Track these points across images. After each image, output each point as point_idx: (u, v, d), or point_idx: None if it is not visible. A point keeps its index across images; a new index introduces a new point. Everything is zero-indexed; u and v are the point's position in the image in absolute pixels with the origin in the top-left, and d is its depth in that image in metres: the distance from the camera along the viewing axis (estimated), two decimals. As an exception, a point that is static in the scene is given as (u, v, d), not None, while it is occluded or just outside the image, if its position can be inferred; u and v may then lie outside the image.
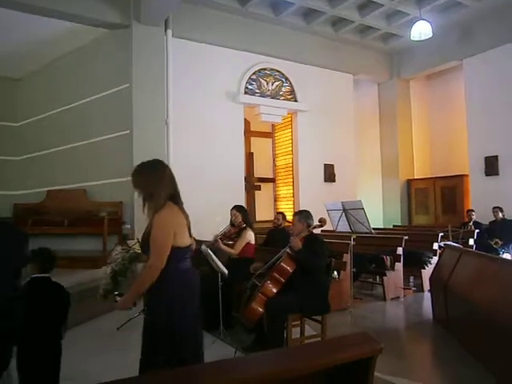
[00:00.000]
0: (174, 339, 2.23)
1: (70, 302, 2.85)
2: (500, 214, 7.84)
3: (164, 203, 2.28)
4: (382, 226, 10.16)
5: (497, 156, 8.91)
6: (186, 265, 2.38)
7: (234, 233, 4.81)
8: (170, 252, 2.25)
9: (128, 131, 7.29)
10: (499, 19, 8.62)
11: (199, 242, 5.12)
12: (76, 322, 4.77)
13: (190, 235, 2.46)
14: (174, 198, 2.36)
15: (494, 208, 7.90)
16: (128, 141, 7.24)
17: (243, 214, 4.85)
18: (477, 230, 7.60)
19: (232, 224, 4.87)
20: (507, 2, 8.22)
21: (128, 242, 5.18)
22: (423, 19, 8.00)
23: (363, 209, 4.83)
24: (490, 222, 8.02)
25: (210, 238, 5.83)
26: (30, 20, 6.87)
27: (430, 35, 8.02)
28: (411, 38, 8.24)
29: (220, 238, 4.67)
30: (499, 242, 7.40)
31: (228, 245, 4.81)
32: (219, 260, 4.24)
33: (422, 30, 7.97)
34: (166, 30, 7.64)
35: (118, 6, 7.16)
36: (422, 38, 8.14)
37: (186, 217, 2.42)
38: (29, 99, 9.28)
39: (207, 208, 7.51)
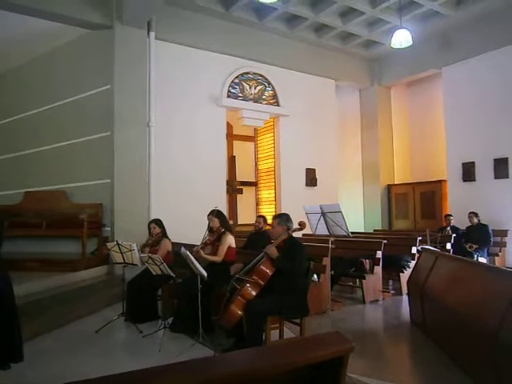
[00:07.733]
0: None
1: None
2: (475, 219, 8.04)
3: None
4: (363, 231, 10.28)
5: (474, 162, 9.14)
6: None
7: (213, 240, 4.77)
8: None
9: (109, 133, 7.23)
10: (477, 29, 8.87)
11: (178, 245, 5.11)
12: (53, 326, 4.70)
13: None
14: None
15: (470, 213, 8.10)
16: (109, 142, 7.18)
17: (221, 219, 4.83)
18: (454, 235, 7.76)
19: (210, 230, 4.84)
20: (485, 12, 8.48)
21: (107, 244, 5.13)
22: (404, 28, 8.14)
23: (341, 212, 4.89)
24: (467, 227, 8.20)
25: (191, 240, 5.81)
26: (5, 17, 6.71)
27: (410, 43, 8.16)
28: (392, 46, 8.38)
29: (201, 248, 4.62)
30: (473, 246, 7.60)
31: (208, 253, 4.77)
32: (199, 264, 4.22)
33: (402, 38, 8.09)
34: (148, 32, 7.63)
35: (101, 6, 7.11)
36: (403, 46, 8.26)
37: None
38: (4, 100, 9.09)
39: (189, 211, 7.50)
